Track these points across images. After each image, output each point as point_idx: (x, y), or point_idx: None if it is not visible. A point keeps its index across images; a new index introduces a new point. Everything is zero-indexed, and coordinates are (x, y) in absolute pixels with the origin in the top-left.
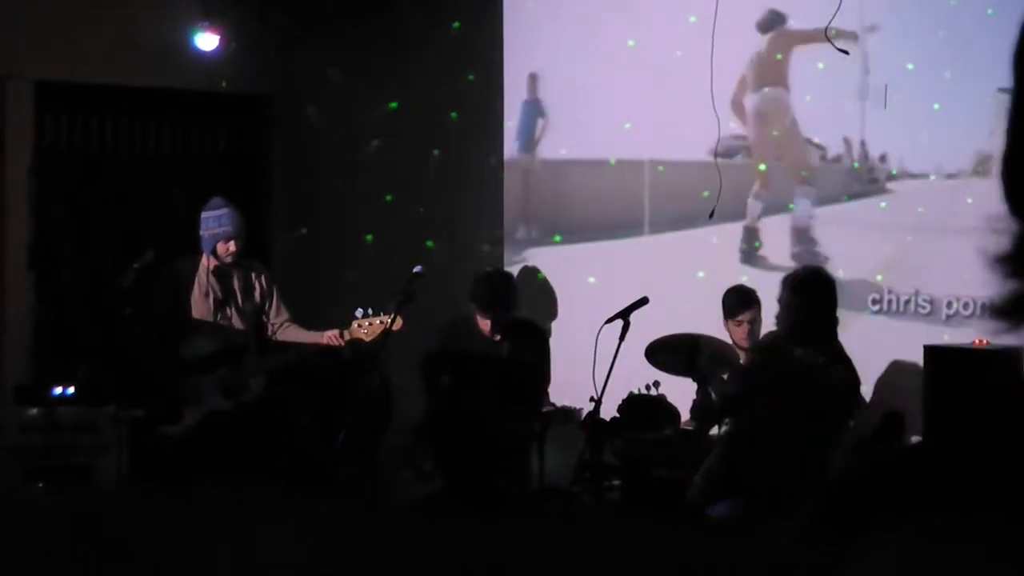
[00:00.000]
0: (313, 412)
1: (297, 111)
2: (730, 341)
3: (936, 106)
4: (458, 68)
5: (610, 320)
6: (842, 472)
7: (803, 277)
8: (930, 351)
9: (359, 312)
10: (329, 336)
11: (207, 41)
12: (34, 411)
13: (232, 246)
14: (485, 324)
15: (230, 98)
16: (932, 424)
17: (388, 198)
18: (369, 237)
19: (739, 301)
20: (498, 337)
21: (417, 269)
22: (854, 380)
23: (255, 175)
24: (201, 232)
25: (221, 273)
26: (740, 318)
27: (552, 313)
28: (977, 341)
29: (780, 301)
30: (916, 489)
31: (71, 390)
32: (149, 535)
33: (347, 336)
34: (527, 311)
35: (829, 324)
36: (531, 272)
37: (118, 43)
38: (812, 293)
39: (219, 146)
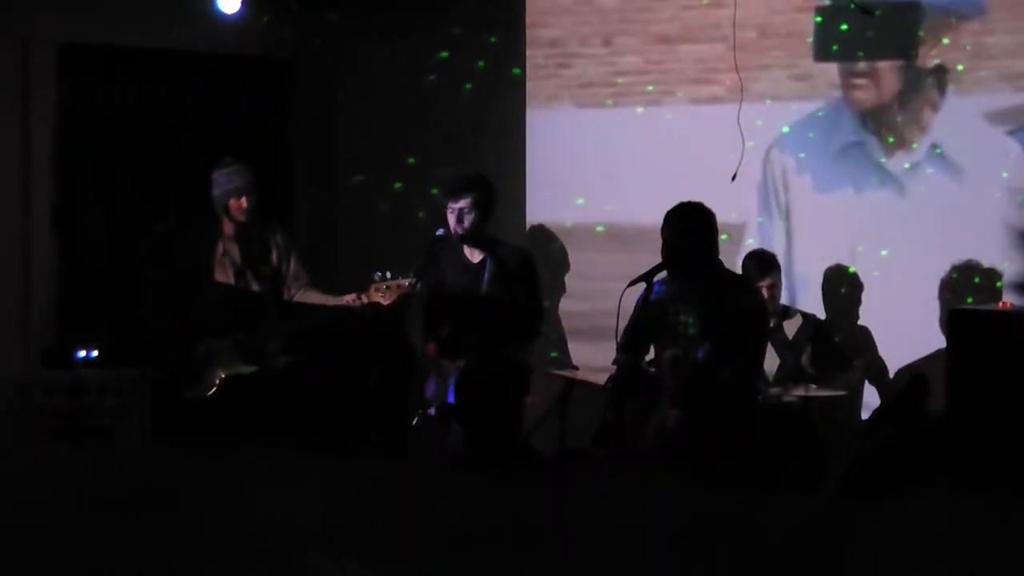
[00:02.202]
0: (336, 373)
1: (319, 73)
2: None
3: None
4: (480, 29)
5: (633, 283)
6: (872, 437)
7: (680, 210)
8: (953, 314)
9: (377, 275)
10: (348, 299)
11: (229, 3)
12: (59, 373)
13: (244, 202)
14: (450, 219)
15: (252, 61)
16: (956, 387)
17: (410, 161)
18: (398, 185)
19: (758, 267)
20: (477, 256)
21: (439, 232)
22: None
23: (277, 138)
24: (214, 192)
25: (240, 236)
26: (760, 284)
27: (566, 266)
28: (1001, 303)
29: (662, 234)
30: (942, 452)
31: (95, 353)
32: (183, 491)
33: (365, 299)
34: (542, 268)
35: (708, 253)
36: (545, 231)
37: (140, 5)
38: (689, 225)
39: (241, 109)
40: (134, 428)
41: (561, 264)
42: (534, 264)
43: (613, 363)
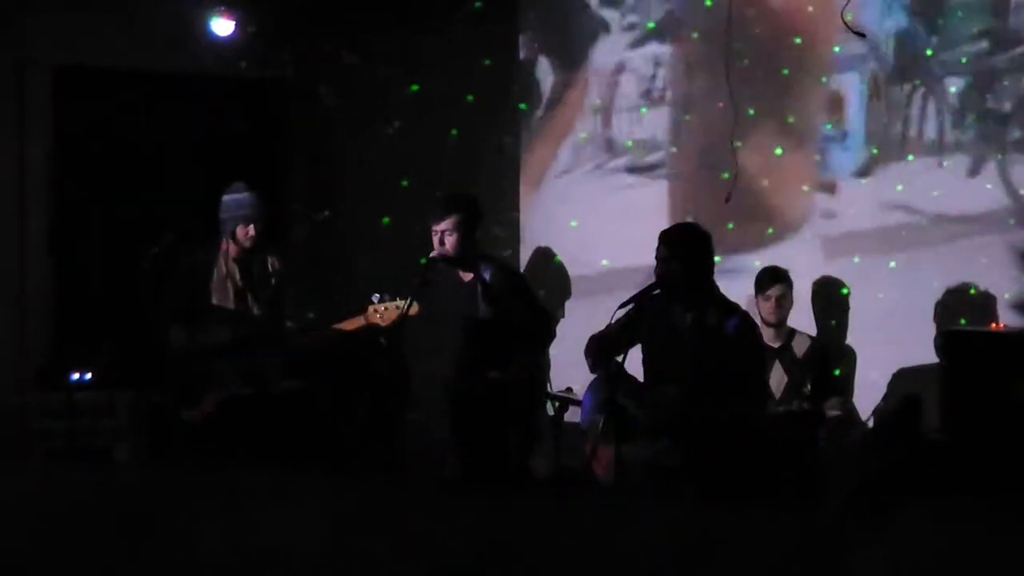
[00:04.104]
0: (331, 396)
1: (314, 95)
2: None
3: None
4: (474, 51)
5: (625, 304)
6: (872, 458)
7: (676, 231)
8: (947, 335)
9: (375, 297)
10: (346, 323)
11: (223, 26)
12: (54, 396)
13: (252, 230)
14: (434, 241)
15: (248, 82)
16: (950, 408)
17: (404, 183)
18: (386, 220)
19: (768, 277)
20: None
21: (433, 254)
22: (740, 328)
23: (273, 159)
24: (221, 215)
25: (242, 260)
26: (768, 293)
27: (567, 292)
28: (995, 325)
29: (656, 256)
30: (941, 473)
31: (88, 376)
32: (174, 513)
33: (363, 321)
34: (542, 293)
35: (703, 275)
36: (545, 253)
37: (135, 28)
38: (684, 246)
39: (237, 130)
40: (130, 450)
41: (563, 289)
42: (524, 277)
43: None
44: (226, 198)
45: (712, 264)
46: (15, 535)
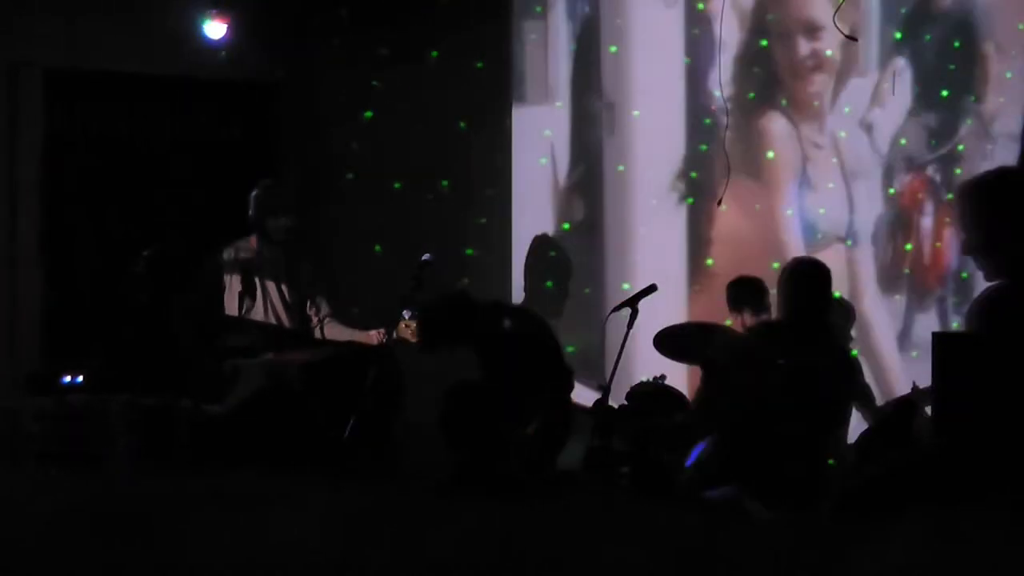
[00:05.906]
0: (327, 401)
1: (307, 98)
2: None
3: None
4: (467, 54)
5: (618, 308)
6: (864, 466)
7: (794, 267)
8: (938, 337)
9: (406, 313)
10: (373, 335)
11: (215, 29)
12: (45, 399)
13: (283, 220)
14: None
15: (241, 85)
16: (941, 411)
17: (397, 185)
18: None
19: (746, 293)
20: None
21: (425, 257)
22: (847, 367)
23: (266, 162)
24: (252, 210)
25: (273, 259)
26: (745, 315)
27: (568, 281)
28: None
29: (777, 291)
30: (933, 479)
31: (80, 379)
32: (167, 518)
33: (394, 336)
34: (544, 282)
35: (819, 312)
36: (544, 239)
37: (127, 31)
38: (802, 282)
39: (230, 133)
40: (122, 453)
41: (566, 271)
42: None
43: (599, 387)
44: (255, 192)
45: (822, 299)
46: (6, 539)
